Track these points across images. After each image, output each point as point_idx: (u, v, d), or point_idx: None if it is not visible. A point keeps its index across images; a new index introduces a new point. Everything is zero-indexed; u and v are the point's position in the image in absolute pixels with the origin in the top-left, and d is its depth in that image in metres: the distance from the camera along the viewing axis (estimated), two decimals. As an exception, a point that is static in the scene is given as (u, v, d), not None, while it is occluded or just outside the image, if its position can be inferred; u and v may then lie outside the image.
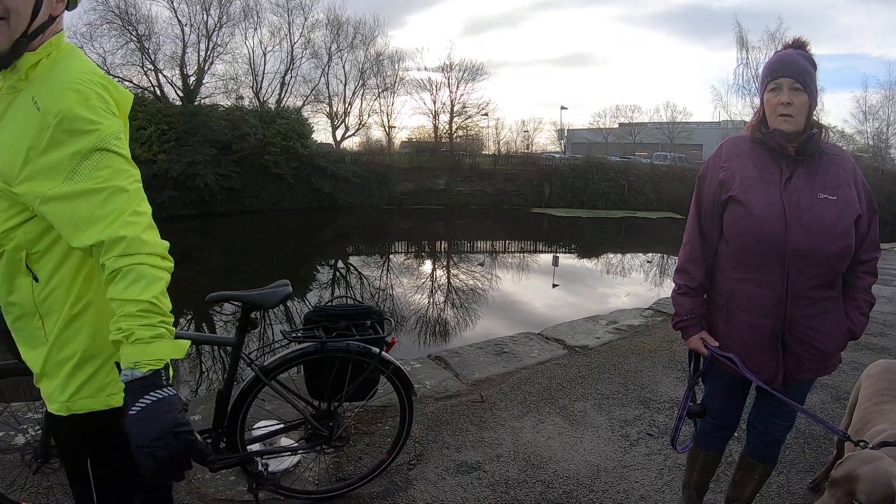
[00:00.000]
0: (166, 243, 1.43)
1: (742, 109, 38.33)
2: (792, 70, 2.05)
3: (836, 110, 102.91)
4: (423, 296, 13.75)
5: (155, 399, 1.31)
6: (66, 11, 1.52)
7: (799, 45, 2.13)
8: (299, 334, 2.63)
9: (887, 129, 40.04)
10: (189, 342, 1.54)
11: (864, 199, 2.12)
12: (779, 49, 2.17)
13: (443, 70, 39.88)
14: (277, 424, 2.87)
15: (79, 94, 1.39)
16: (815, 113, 2.10)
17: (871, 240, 2.15)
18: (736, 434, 2.73)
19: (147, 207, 1.45)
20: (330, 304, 2.85)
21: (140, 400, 1.30)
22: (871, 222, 2.14)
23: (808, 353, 2.12)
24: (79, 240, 1.36)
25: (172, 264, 1.44)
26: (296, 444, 2.87)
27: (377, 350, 2.66)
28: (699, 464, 2.58)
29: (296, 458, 3.06)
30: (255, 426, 2.90)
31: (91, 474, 1.61)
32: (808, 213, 2.02)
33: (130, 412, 1.29)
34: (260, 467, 2.54)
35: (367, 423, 3.56)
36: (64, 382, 1.53)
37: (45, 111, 1.35)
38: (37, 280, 1.47)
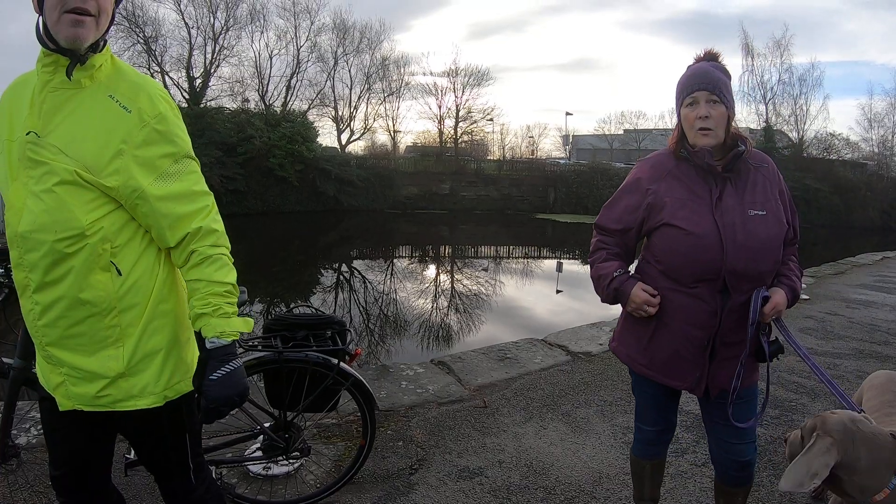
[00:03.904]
0: None
1: (747, 116, 38.40)
2: (707, 83, 2.00)
3: (841, 118, 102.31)
4: (427, 300, 13.75)
5: (233, 368, 1.55)
6: None
7: (711, 57, 2.10)
8: (256, 343, 2.57)
9: (892, 136, 39.97)
10: (252, 320, 1.71)
11: (788, 204, 2.12)
12: (691, 64, 2.11)
13: (448, 75, 40.15)
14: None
15: (169, 104, 1.57)
16: (733, 124, 2.06)
17: (795, 239, 2.17)
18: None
19: None
20: (290, 312, 2.78)
21: (223, 367, 1.53)
22: (795, 227, 2.15)
23: (736, 359, 2.07)
24: (174, 234, 1.55)
25: None
26: (255, 455, 2.78)
27: (336, 361, 2.58)
28: (648, 474, 2.51)
29: (283, 468, 3.00)
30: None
31: (189, 446, 1.77)
32: (742, 231, 1.99)
33: (212, 377, 1.52)
34: (214, 475, 2.50)
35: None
36: (158, 373, 1.61)
37: (140, 112, 1.50)
38: (119, 273, 1.52)
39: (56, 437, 1.73)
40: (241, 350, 2.55)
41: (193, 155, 1.62)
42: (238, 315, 1.62)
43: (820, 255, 18.10)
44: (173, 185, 1.53)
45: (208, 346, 1.56)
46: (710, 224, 2.00)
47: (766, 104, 38.80)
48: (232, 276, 1.62)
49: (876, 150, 40.29)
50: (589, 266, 2.31)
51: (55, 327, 1.52)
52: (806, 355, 2.10)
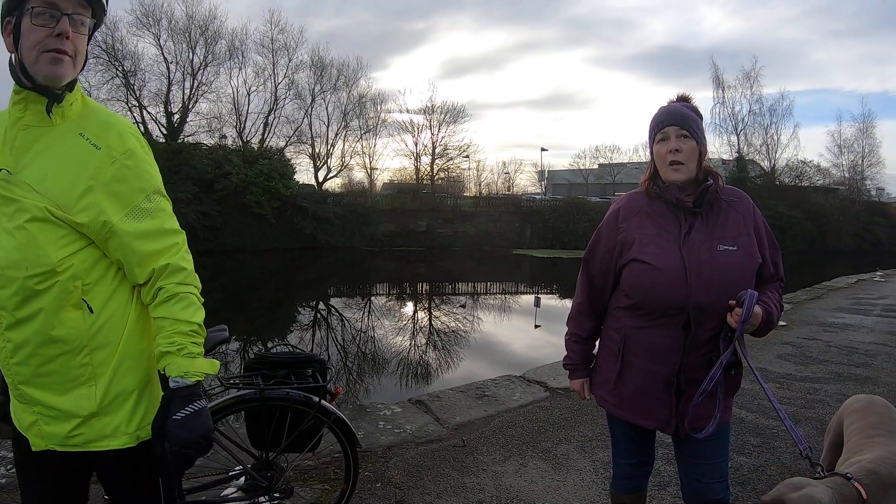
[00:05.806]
0: None
1: (719, 147, 39.39)
2: (677, 118, 2.06)
3: (812, 145, 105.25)
4: (404, 338, 13.63)
5: (197, 409, 1.53)
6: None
7: (683, 99, 2.16)
8: (237, 381, 2.56)
9: (862, 161, 41.27)
10: (218, 362, 1.68)
11: (766, 240, 2.12)
12: (663, 105, 2.17)
13: (424, 112, 40.55)
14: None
15: (139, 141, 1.59)
16: (706, 160, 2.10)
17: (777, 276, 2.15)
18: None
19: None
20: (270, 351, 2.77)
21: (185, 407, 1.51)
22: (776, 262, 2.14)
23: (703, 398, 2.04)
24: (142, 271, 1.54)
25: None
26: (236, 495, 2.70)
27: (317, 399, 2.57)
28: None
29: None
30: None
31: (161, 487, 1.75)
32: (709, 267, 1.99)
33: (175, 417, 1.50)
34: None
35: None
36: (131, 413, 1.58)
37: (110, 148, 1.51)
38: (91, 311, 1.51)
39: (28, 477, 1.69)
40: (221, 388, 2.52)
41: (164, 191, 1.62)
42: (214, 353, 1.59)
43: (796, 280, 18.30)
44: (144, 222, 1.54)
45: (172, 385, 1.54)
46: (676, 259, 2.02)
47: (738, 135, 39.90)
48: (199, 315, 1.60)
49: (847, 175, 41.49)
50: (567, 323, 2.44)
51: (27, 365, 1.50)
52: (759, 379, 2.10)
